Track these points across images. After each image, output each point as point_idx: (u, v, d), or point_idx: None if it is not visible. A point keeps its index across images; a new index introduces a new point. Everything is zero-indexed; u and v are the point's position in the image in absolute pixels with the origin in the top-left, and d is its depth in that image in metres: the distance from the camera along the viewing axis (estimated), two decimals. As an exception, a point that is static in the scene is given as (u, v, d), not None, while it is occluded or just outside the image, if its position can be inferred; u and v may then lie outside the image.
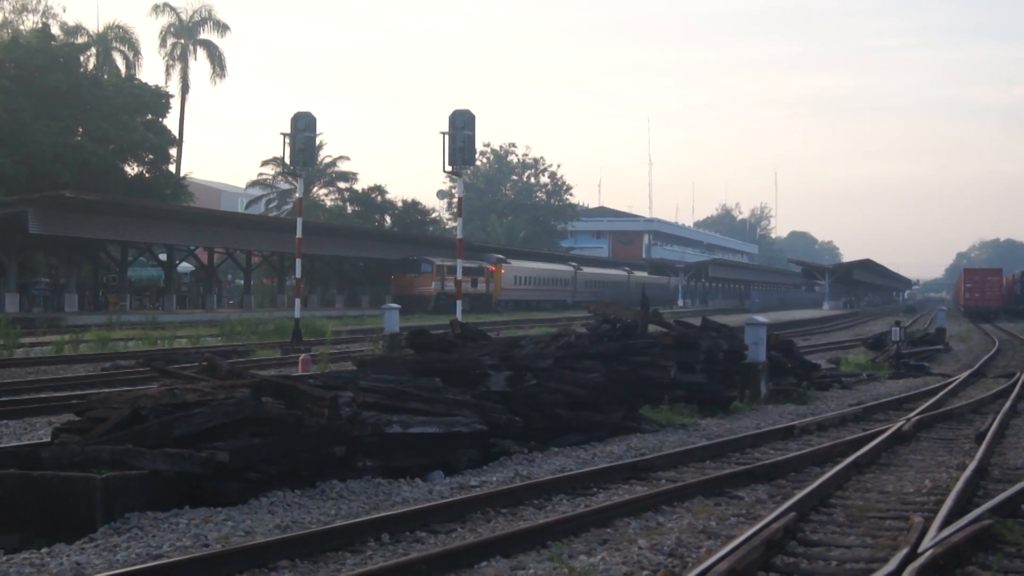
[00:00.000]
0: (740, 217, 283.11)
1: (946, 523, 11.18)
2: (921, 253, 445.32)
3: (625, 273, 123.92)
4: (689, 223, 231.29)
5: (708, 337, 24.21)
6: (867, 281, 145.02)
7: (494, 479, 14.83)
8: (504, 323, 57.88)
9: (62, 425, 14.74)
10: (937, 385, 29.39)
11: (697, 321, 27.58)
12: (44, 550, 10.53)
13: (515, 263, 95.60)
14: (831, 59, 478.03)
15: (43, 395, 23.46)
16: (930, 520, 11.47)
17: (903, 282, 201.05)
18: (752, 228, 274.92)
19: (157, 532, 11.09)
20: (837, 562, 10.54)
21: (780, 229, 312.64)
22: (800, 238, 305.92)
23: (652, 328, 24.20)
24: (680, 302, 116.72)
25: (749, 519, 12.33)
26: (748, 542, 10.26)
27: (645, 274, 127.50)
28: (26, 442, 16.53)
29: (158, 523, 11.39)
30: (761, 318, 27.59)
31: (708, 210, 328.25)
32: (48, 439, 14.80)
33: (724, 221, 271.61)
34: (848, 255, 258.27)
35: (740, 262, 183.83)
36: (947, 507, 11.99)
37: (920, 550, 10.05)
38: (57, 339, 38.78)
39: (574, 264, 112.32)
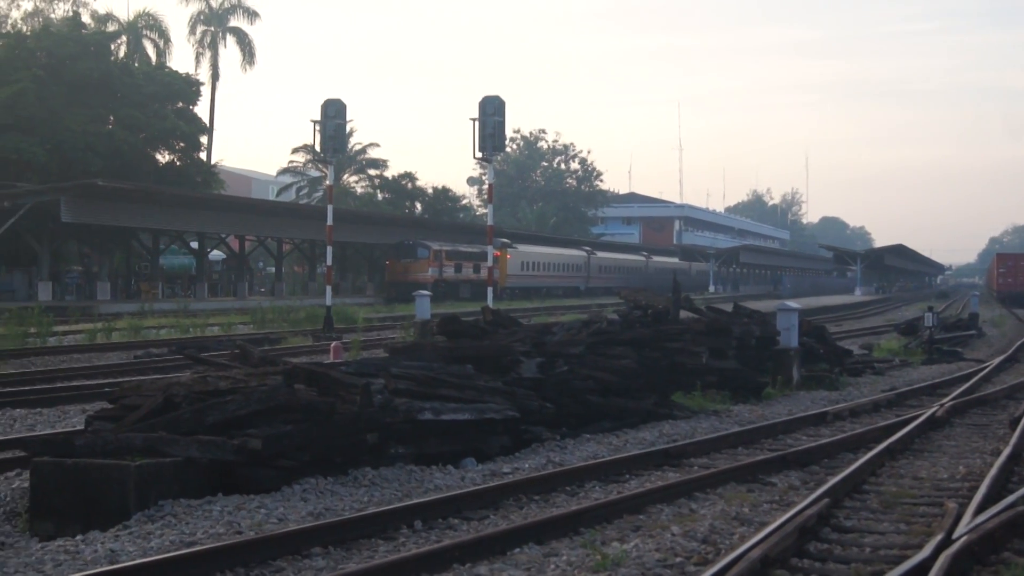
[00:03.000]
0: (771, 203, 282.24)
1: (980, 509, 11.12)
2: (953, 238, 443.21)
3: (643, 258, 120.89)
4: (720, 209, 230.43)
5: (740, 323, 24.17)
6: (899, 266, 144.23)
7: (526, 466, 14.84)
8: (510, 312, 57.52)
9: (95, 413, 14.81)
10: (970, 371, 29.23)
11: (729, 307, 27.52)
12: (79, 537, 10.58)
13: (522, 247, 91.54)
14: (862, 43, 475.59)
15: (76, 383, 23.59)
16: (964, 506, 11.43)
17: (935, 267, 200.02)
18: (783, 213, 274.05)
19: (190, 519, 11.13)
20: (871, 548, 10.52)
21: (811, 214, 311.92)
22: (832, 223, 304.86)
23: (683, 314, 24.16)
24: (712, 288, 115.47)
25: (782, 505, 12.31)
26: (781, 528, 10.24)
27: (666, 259, 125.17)
28: (60, 430, 16.64)
29: (191, 510, 11.43)
30: (793, 304, 27.52)
31: (739, 195, 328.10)
32: (82, 427, 14.88)
33: (755, 206, 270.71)
34: (880, 240, 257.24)
35: (771, 248, 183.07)
36: (981, 493, 11.95)
37: (954, 536, 10.02)
38: (90, 327, 38.96)
39: (587, 248, 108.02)
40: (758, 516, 11.76)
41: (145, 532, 10.67)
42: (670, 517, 11.80)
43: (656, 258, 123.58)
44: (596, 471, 14.27)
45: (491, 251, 44.27)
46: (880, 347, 37.37)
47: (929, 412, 19.34)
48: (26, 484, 12.31)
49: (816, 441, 16.96)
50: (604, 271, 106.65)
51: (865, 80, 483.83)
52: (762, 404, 22.22)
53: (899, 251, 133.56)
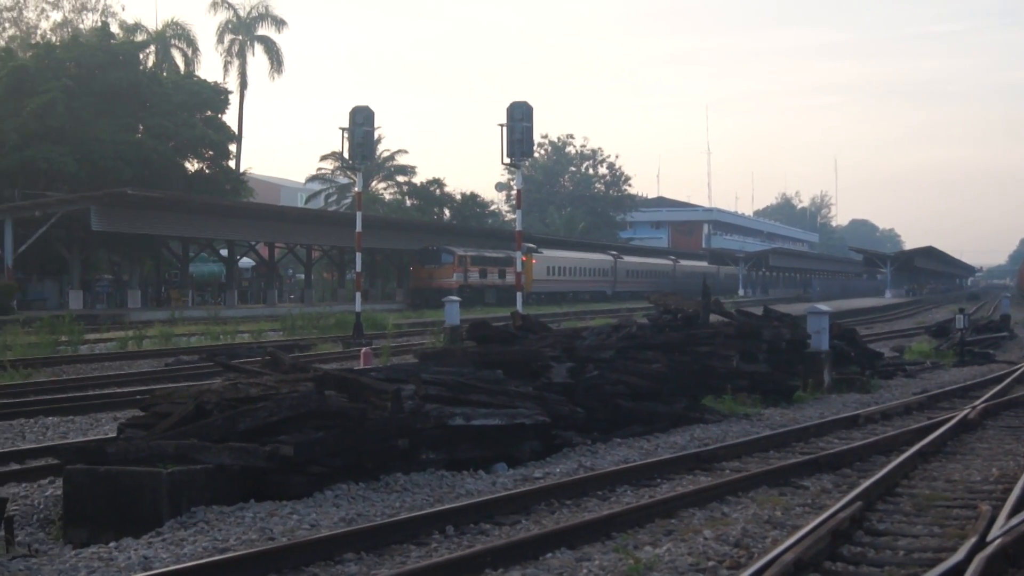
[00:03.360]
0: (800, 205, 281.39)
1: (1015, 511, 11.07)
2: (984, 239, 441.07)
3: (671, 262, 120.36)
4: (749, 212, 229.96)
5: (770, 326, 24.06)
6: (929, 268, 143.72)
7: (557, 470, 14.83)
8: (538, 317, 57.59)
9: (127, 420, 14.85)
10: (1003, 372, 29.07)
11: (759, 310, 27.44)
12: (112, 544, 10.63)
13: (547, 252, 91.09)
14: (888, 45, 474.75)
15: (108, 391, 23.68)
16: (998, 508, 11.38)
17: (966, 269, 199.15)
18: (812, 216, 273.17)
19: (223, 526, 11.16)
20: (904, 552, 10.46)
21: (841, 217, 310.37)
22: (861, 226, 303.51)
23: (713, 318, 24.10)
24: (741, 291, 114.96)
25: (815, 509, 12.26)
26: (814, 532, 10.21)
27: (695, 263, 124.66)
28: (92, 438, 16.70)
29: (224, 517, 11.46)
30: (823, 307, 27.41)
31: (768, 199, 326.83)
32: (114, 434, 14.92)
33: (784, 210, 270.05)
34: (910, 242, 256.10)
35: (801, 251, 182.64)
36: (1015, 495, 11.89)
37: (989, 539, 9.96)
38: (121, 335, 39.07)
39: (614, 253, 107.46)
40: (790, 519, 11.72)
41: (178, 539, 10.71)
42: (702, 521, 11.78)
43: (684, 262, 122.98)
44: (627, 475, 14.25)
45: (519, 256, 44.22)
46: (911, 349, 37.23)
47: (961, 414, 19.23)
48: (59, 491, 12.36)
49: (848, 444, 16.90)
50: (631, 275, 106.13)
51: (892, 81, 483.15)
52: (793, 407, 22.15)
53: (929, 253, 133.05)
